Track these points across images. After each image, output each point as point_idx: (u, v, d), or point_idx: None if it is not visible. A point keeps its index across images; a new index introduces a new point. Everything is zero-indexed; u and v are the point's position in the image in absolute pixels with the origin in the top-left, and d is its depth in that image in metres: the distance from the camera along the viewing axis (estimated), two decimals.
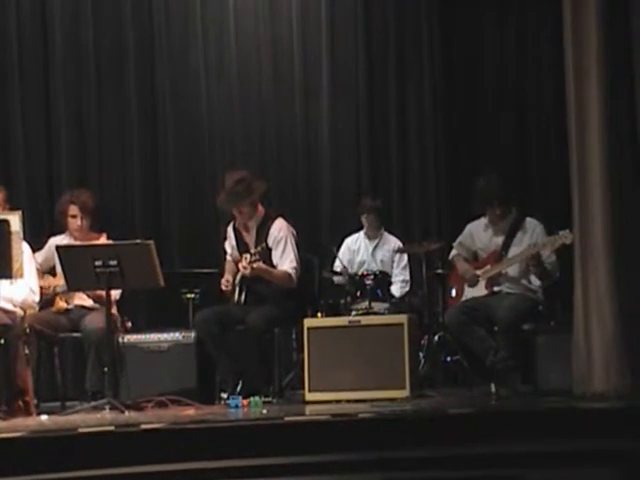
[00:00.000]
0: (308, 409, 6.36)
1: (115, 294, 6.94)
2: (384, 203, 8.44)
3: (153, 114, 9.00)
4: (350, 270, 7.97)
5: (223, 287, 7.01)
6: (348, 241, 8.38)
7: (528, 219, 7.06)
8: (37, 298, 6.78)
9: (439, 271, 7.97)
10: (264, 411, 6.11)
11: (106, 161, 8.92)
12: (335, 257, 8.03)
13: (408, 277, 8.25)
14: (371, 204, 8.24)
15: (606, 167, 5.95)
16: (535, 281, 6.91)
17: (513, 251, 6.98)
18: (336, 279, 7.97)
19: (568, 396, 5.98)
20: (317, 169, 9.11)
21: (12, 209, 6.70)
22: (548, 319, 6.96)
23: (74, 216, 7.14)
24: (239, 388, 6.76)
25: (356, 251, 8.32)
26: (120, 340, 6.95)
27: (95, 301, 7.01)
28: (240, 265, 6.89)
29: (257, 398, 6.47)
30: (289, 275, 6.96)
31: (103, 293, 6.61)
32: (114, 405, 6.26)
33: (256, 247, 6.88)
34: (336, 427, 5.35)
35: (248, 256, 6.81)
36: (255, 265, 6.77)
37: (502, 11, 9.13)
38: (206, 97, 9.03)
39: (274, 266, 6.96)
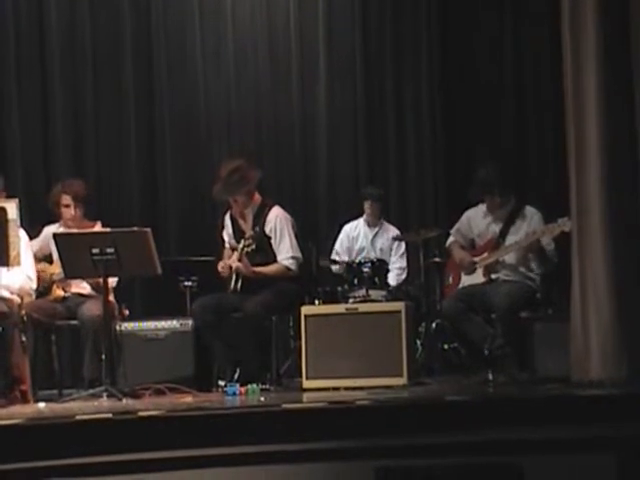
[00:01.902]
0: (305, 396, 6.37)
1: (112, 281, 6.93)
2: (384, 191, 8.45)
3: (150, 102, 9.00)
4: (348, 258, 7.99)
5: (220, 269, 7.00)
6: (347, 228, 8.38)
7: (527, 207, 7.05)
8: (34, 285, 6.78)
9: (436, 259, 7.98)
10: (261, 398, 6.13)
11: (103, 149, 8.92)
12: (333, 245, 8.04)
13: (405, 264, 8.26)
14: (376, 192, 8.25)
15: (604, 155, 5.94)
16: (533, 268, 6.90)
17: (510, 239, 6.98)
18: (334, 267, 7.97)
19: (565, 383, 5.98)
20: (314, 157, 9.12)
21: (9, 197, 6.69)
22: (545, 306, 6.97)
23: (67, 206, 7.13)
24: (236, 376, 6.76)
25: (355, 238, 8.33)
26: (117, 328, 6.95)
27: (94, 288, 7.00)
28: (230, 261, 6.90)
29: (254, 386, 6.47)
30: (285, 268, 6.96)
31: (100, 280, 6.61)
32: (111, 393, 6.26)
33: (249, 233, 6.89)
34: (333, 414, 5.36)
35: (241, 243, 6.82)
36: (244, 270, 6.79)
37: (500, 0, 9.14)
38: (203, 84, 9.04)
39: (274, 254, 6.97)
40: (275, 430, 5.10)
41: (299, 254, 7.02)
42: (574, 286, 6.03)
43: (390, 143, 9.12)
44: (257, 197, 7.11)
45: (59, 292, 7.04)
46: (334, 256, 8.20)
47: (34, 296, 6.85)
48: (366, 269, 7.48)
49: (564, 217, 6.56)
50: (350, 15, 9.12)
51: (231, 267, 6.90)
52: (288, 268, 6.96)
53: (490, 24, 9.11)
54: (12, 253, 6.13)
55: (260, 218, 7.04)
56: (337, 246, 8.34)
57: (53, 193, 7.24)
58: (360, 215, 8.37)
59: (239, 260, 6.84)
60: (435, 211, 8.99)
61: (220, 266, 7.00)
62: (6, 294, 6.59)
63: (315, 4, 9.11)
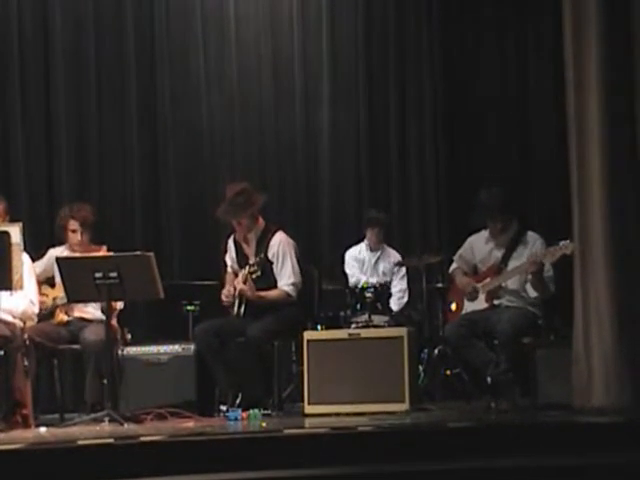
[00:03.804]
0: (307, 422, 6.36)
1: (119, 304, 6.94)
2: (387, 215, 8.47)
3: (154, 125, 9.02)
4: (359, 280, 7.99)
5: (224, 298, 7.01)
6: (352, 252, 8.39)
7: (529, 233, 7.05)
8: (37, 309, 6.77)
9: (439, 285, 7.98)
10: (263, 424, 6.11)
11: (106, 173, 8.93)
12: (343, 269, 8.06)
13: (406, 287, 8.26)
14: (379, 217, 8.26)
15: (606, 179, 5.95)
16: (533, 293, 6.89)
17: (513, 264, 6.96)
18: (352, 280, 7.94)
19: (568, 410, 5.97)
20: (317, 181, 9.14)
21: (12, 220, 6.70)
22: (548, 333, 6.96)
23: (74, 231, 7.13)
24: (238, 400, 6.75)
25: (361, 261, 8.34)
26: (119, 352, 6.94)
27: (103, 312, 6.97)
28: (235, 282, 6.92)
29: (256, 411, 6.46)
30: (286, 294, 6.97)
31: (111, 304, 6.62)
32: (113, 417, 6.25)
33: (255, 259, 6.91)
34: (335, 440, 5.34)
35: (246, 268, 6.83)
36: (249, 293, 6.82)
37: (502, 24, 9.17)
38: (206, 108, 9.07)
39: (275, 279, 6.97)
40: (277, 456, 5.09)
41: (299, 280, 7.02)
42: (576, 312, 6.03)
43: (393, 167, 9.14)
44: (261, 221, 7.13)
45: (62, 316, 7.03)
46: (352, 283, 8.13)
47: (36, 320, 6.84)
48: (369, 294, 7.47)
49: (566, 240, 6.56)
50: (353, 37, 9.16)
51: (235, 289, 6.91)
52: (288, 294, 6.97)
53: (494, 45, 9.16)
54: (15, 277, 6.13)
55: (263, 243, 7.05)
56: (349, 272, 8.33)
57: (61, 217, 7.22)
58: (362, 239, 8.37)
59: (244, 282, 6.84)
60: (438, 236, 8.99)
61: (224, 295, 7.00)
62: (9, 318, 6.59)
63: (319, 24, 9.16)
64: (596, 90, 5.97)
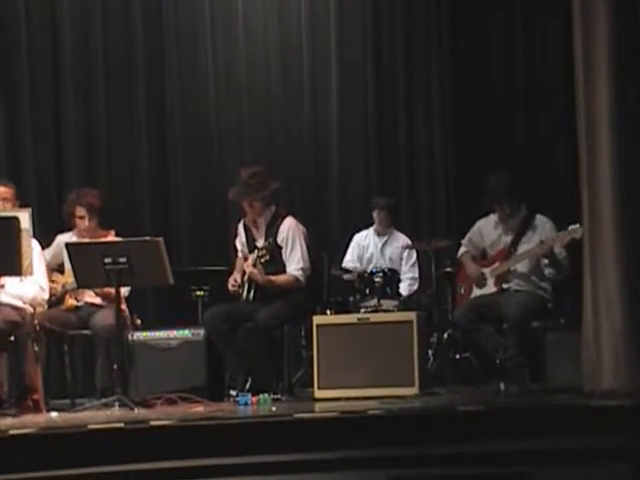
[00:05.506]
0: (317, 406, 6.37)
1: (124, 290, 6.95)
2: (396, 202, 8.45)
3: (162, 112, 9.03)
4: (360, 266, 7.99)
5: (230, 286, 7.02)
6: (357, 237, 8.39)
7: (538, 216, 7.03)
8: (46, 296, 6.78)
9: (448, 269, 7.97)
10: (273, 408, 6.13)
11: (115, 158, 8.95)
12: (344, 254, 8.05)
13: (417, 275, 8.25)
14: (383, 202, 8.25)
15: (615, 162, 5.94)
16: (546, 275, 6.87)
17: (522, 249, 6.96)
18: (346, 276, 7.97)
19: (577, 394, 5.97)
20: (326, 168, 9.13)
21: (22, 206, 6.72)
22: (557, 316, 6.96)
23: (82, 217, 7.12)
24: (248, 385, 6.77)
25: (365, 247, 8.34)
26: (129, 337, 6.96)
27: (104, 299, 7.01)
28: (245, 265, 6.93)
29: (266, 395, 6.47)
30: (295, 278, 6.97)
31: (111, 291, 6.62)
32: (123, 402, 6.27)
33: (264, 243, 6.91)
34: (345, 424, 5.36)
35: (255, 252, 6.84)
36: (259, 276, 6.83)
37: (510, 10, 9.13)
38: (215, 97, 9.07)
39: (284, 264, 6.98)
40: (287, 440, 5.10)
41: (308, 265, 7.03)
42: (586, 296, 6.02)
43: (401, 152, 9.12)
44: (272, 207, 7.13)
45: (71, 302, 7.05)
46: (345, 264, 8.20)
47: (46, 306, 6.86)
48: (378, 279, 7.47)
49: (575, 224, 6.55)
50: (361, 30, 9.13)
51: (244, 273, 6.91)
52: (297, 279, 6.98)
53: (501, 36, 9.12)
54: (25, 263, 6.14)
55: (273, 228, 7.05)
56: (348, 255, 8.35)
57: (67, 203, 7.22)
58: (371, 224, 8.37)
59: (253, 266, 6.84)
60: (447, 220, 8.98)
61: (230, 284, 7.01)
62: (18, 304, 6.60)
63: (327, 16, 9.13)
64: (606, 73, 5.95)
